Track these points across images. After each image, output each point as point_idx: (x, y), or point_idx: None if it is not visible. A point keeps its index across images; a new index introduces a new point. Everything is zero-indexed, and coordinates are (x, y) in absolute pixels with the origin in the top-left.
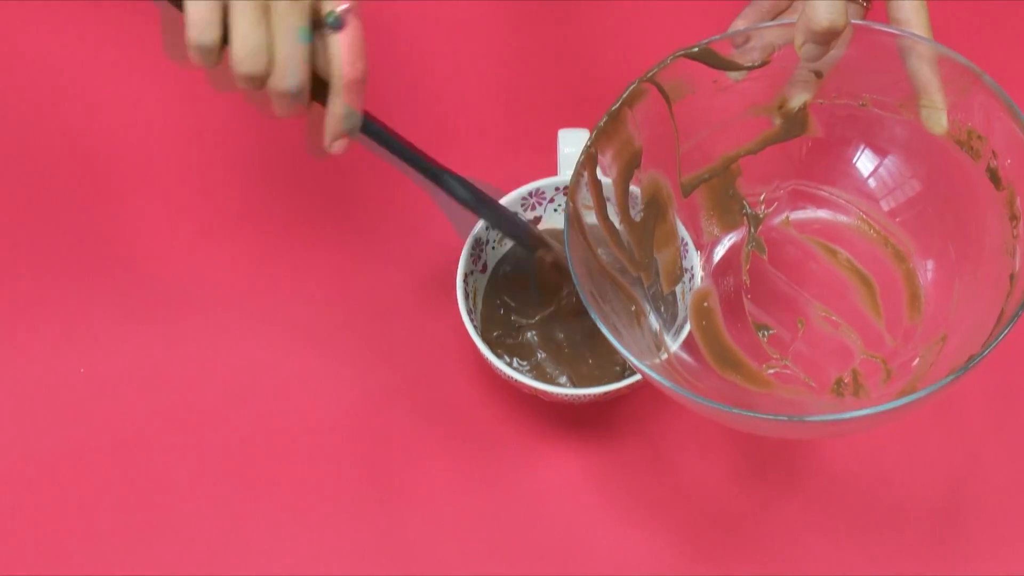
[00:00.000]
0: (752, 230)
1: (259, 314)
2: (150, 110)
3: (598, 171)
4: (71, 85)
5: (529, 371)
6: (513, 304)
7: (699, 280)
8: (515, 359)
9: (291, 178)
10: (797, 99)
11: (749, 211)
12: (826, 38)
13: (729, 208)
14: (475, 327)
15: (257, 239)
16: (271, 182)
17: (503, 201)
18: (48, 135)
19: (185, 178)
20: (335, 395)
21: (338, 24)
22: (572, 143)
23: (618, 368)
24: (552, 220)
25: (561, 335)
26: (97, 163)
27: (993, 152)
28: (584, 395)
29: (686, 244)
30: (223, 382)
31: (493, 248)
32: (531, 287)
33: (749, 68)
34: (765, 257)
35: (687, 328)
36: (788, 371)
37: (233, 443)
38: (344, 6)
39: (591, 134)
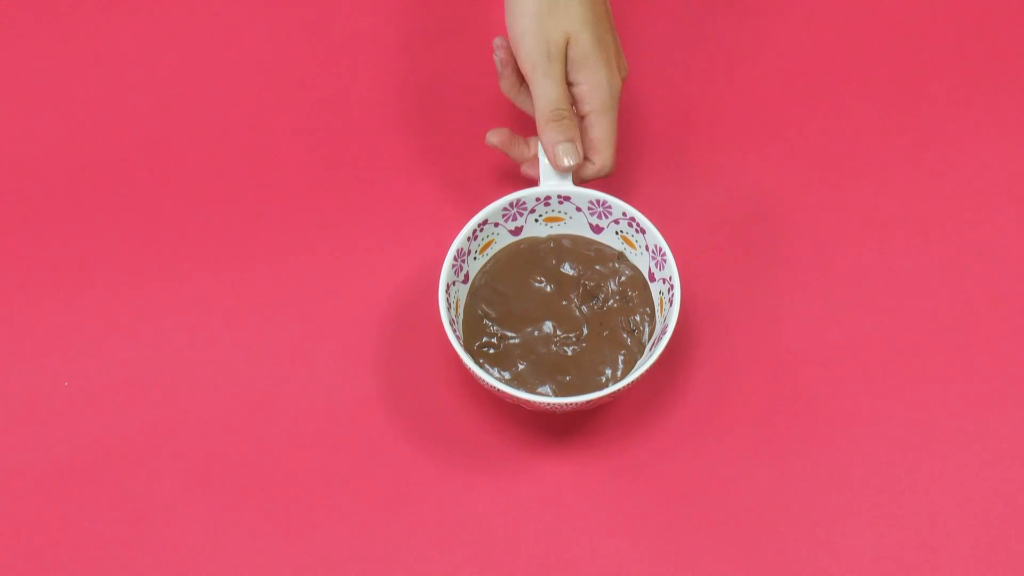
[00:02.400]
0: None
1: (242, 326)
2: (137, 120)
3: None
4: (63, 93)
5: (511, 381)
6: (495, 315)
7: (679, 290)
8: (497, 369)
9: (274, 190)
10: None
11: None
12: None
13: None
14: (457, 337)
15: (239, 252)
16: (253, 194)
17: (485, 212)
18: (32, 145)
19: (168, 189)
20: (318, 405)
21: None
22: None
23: (601, 378)
24: (533, 230)
25: (543, 346)
26: (81, 171)
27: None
28: (567, 404)
29: (663, 253)
30: (206, 393)
31: (475, 259)
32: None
33: None
34: None
35: (665, 339)
36: None
37: (218, 453)
38: None
39: None
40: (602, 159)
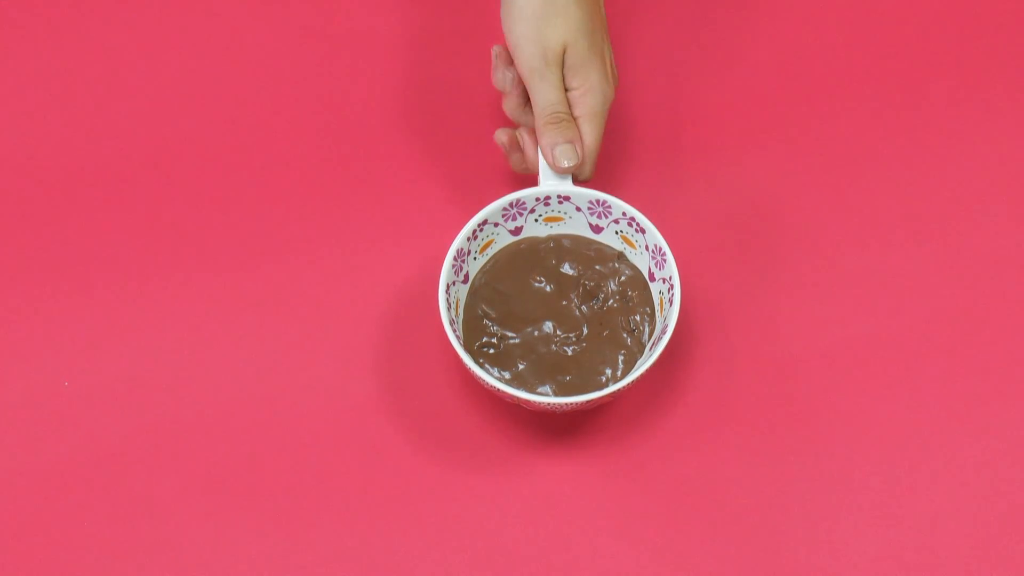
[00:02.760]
0: None
1: (242, 326)
2: (137, 120)
3: None
4: (63, 93)
5: (511, 381)
6: (495, 315)
7: (679, 290)
8: (497, 369)
9: (274, 190)
10: None
11: None
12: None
13: None
14: (457, 337)
15: (240, 252)
16: (253, 196)
17: (485, 212)
18: (33, 145)
19: (169, 189)
20: (318, 407)
21: None
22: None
23: (601, 378)
24: (533, 230)
25: (543, 346)
26: (81, 171)
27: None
28: (567, 403)
29: (663, 253)
30: (207, 393)
31: (475, 259)
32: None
33: None
34: None
35: (666, 339)
36: None
37: (218, 453)
38: None
39: None
40: (584, 164)
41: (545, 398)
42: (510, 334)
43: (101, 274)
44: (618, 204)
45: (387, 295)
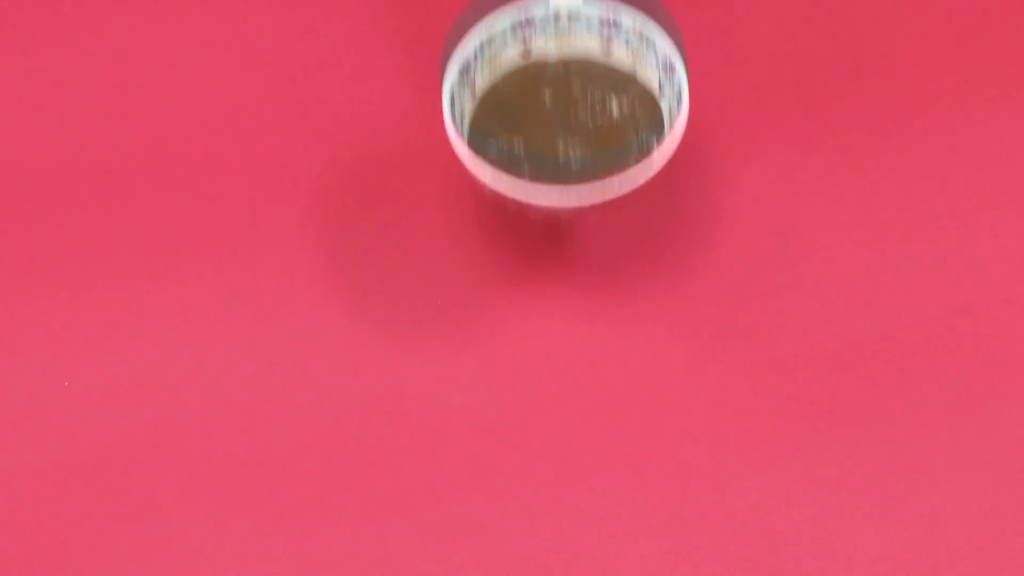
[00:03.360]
0: None
1: (245, 325)
2: (136, 120)
3: None
4: (63, 93)
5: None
6: (502, 132)
7: (686, 94)
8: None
9: (273, 188)
10: None
11: None
12: None
13: None
14: (459, 136)
15: (240, 250)
16: (254, 193)
17: (490, 31)
18: (32, 144)
19: (169, 188)
20: (327, 397)
21: None
22: None
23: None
24: (541, 50)
25: (554, 162)
26: (81, 171)
27: None
28: (583, 189)
29: (672, 67)
30: (208, 393)
31: (481, 76)
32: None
33: None
34: None
35: (673, 137)
36: None
37: (220, 453)
38: None
39: None
40: None
41: (562, 187)
42: (519, 152)
43: (101, 274)
44: (627, 22)
45: (396, 284)
